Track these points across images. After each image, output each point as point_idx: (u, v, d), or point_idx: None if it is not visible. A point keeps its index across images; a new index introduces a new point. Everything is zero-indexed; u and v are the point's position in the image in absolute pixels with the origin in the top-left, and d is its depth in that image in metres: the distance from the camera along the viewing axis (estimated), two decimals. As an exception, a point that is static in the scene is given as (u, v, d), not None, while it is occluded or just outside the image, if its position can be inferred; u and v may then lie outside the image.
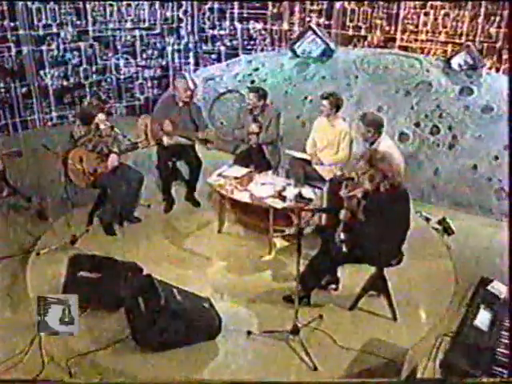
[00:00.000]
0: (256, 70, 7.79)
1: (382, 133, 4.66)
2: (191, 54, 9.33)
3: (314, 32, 7.40)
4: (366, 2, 8.24)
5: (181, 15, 9.04)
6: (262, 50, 9.06)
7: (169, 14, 8.98)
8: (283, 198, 4.80)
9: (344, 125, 5.36)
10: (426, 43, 7.97)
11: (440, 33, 7.84)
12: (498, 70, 7.36)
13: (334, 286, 4.43)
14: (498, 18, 7.36)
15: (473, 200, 6.04)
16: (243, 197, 4.93)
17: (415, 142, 6.36)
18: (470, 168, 6.06)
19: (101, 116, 4.91)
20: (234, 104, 7.73)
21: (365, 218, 3.85)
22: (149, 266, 4.52)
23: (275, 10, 8.85)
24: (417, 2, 7.88)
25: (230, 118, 7.60)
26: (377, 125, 4.59)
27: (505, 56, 7.31)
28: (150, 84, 9.25)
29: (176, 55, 9.26)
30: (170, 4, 8.92)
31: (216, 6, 8.97)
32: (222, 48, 9.22)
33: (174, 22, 9.05)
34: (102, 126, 4.93)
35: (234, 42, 9.15)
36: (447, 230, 5.45)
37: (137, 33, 8.85)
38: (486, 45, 7.42)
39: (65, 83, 8.57)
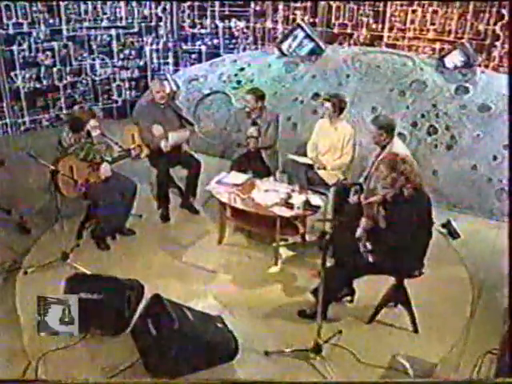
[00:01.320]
0: (242, 69, 7.52)
1: (394, 136, 4.47)
2: (170, 54, 8.97)
3: (303, 30, 7.17)
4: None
5: (159, 13, 8.67)
6: (245, 49, 8.80)
7: (147, 12, 8.59)
8: (290, 206, 4.56)
9: (348, 127, 5.15)
10: (413, 41, 7.84)
11: (428, 30, 7.72)
12: (486, 66, 7.29)
13: (349, 299, 4.21)
14: (486, 16, 7.29)
15: (473, 201, 5.92)
16: (246, 205, 4.67)
17: (412, 143, 6.20)
18: (470, 168, 5.95)
19: (92, 122, 4.57)
20: (220, 105, 7.44)
21: (387, 225, 3.64)
22: (149, 281, 4.23)
23: (258, 8, 8.58)
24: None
25: (216, 120, 7.32)
26: (389, 128, 4.40)
27: (494, 53, 7.26)
28: (127, 85, 8.84)
29: (154, 55, 8.88)
30: (148, 2, 8.54)
31: (196, 3, 8.64)
32: (203, 47, 8.89)
33: (153, 21, 8.67)
34: (93, 133, 4.60)
35: (216, 41, 8.84)
36: (452, 234, 5.31)
37: (113, 32, 8.43)
38: (474, 42, 7.34)
39: (37, 85, 8.09)
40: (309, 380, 3.54)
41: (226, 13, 8.67)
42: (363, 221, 3.79)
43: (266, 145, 5.42)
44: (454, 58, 6.45)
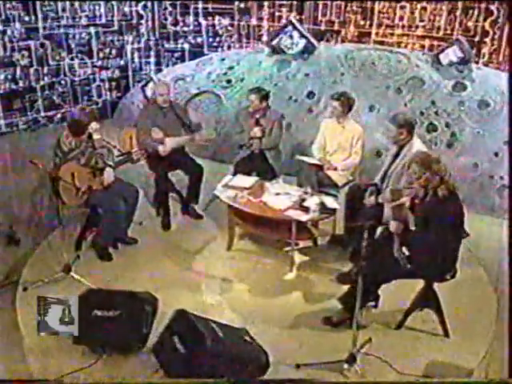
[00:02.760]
0: (231, 68, 7.31)
1: (413, 134, 4.35)
2: (152, 53, 8.66)
3: (295, 27, 7.01)
4: (339, -4, 7.95)
5: (140, 11, 8.36)
6: (229, 47, 8.58)
7: (127, 9, 8.28)
8: (306, 210, 4.39)
9: (356, 126, 5.01)
10: (402, 38, 7.79)
11: (417, 27, 7.68)
12: (476, 63, 7.28)
13: (373, 304, 4.07)
14: (476, 12, 7.29)
15: (475, 199, 5.87)
16: (259, 210, 4.48)
17: (412, 141, 6.11)
18: (471, 166, 5.90)
19: (94, 125, 4.29)
20: (209, 106, 7.21)
21: (421, 227, 3.51)
22: (159, 293, 3.97)
23: (242, 5, 8.37)
24: (392, -4, 7.68)
25: (206, 120, 7.08)
26: (410, 126, 4.28)
27: (484, 50, 7.26)
28: (107, 86, 8.49)
29: (136, 54, 8.56)
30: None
31: (178, 0, 8.37)
32: (186, 46, 8.64)
33: (133, 19, 8.36)
34: (95, 137, 4.32)
35: (199, 39, 8.60)
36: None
37: (92, 30, 8.07)
38: (464, 39, 7.32)
39: (13, 87, 7.66)
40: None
41: (210, 10, 8.44)
42: (393, 224, 3.65)
43: (270, 145, 5.23)
44: (450, 55, 6.39)
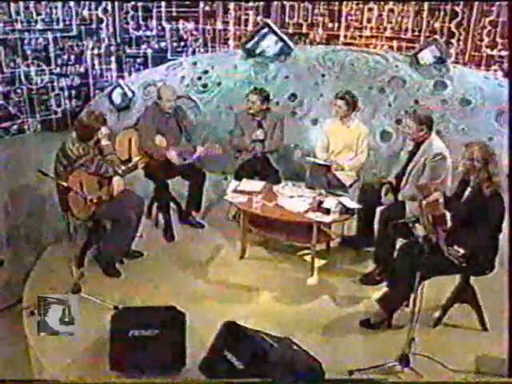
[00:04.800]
0: (205, 72, 7.09)
1: (433, 131, 4.34)
2: (113, 59, 8.28)
3: (271, 29, 6.90)
4: (306, -2, 7.96)
5: (100, 14, 7.98)
6: (194, 51, 8.37)
7: (86, 13, 7.87)
8: (327, 211, 4.27)
9: (361, 125, 4.96)
10: (370, 39, 7.90)
11: (385, 29, 7.81)
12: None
13: (405, 303, 3.99)
14: (442, 13, 7.51)
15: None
16: (278, 213, 4.32)
17: (399, 140, 6.17)
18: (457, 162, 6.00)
19: (104, 130, 3.96)
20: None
21: (466, 224, 3.48)
22: (182, 306, 3.69)
23: (207, 8, 8.21)
24: (360, -2, 7.78)
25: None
26: (430, 122, 4.25)
27: (450, 50, 7.47)
28: (67, 94, 8.03)
29: (96, 60, 8.16)
30: (88, 1, 7.80)
31: (140, 3, 8.06)
32: (149, 51, 8.34)
33: (93, 23, 7.96)
34: (104, 143, 3.99)
35: (162, 44, 8.33)
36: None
37: (49, 35, 7.63)
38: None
39: (-35, 96, 7.12)
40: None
41: (173, 14, 8.23)
42: (447, 220, 3.57)
43: (273, 148, 5.08)
44: (428, 54, 6.52)
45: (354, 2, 7.79)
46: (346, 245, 4.81)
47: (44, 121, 7.92)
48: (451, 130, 6.10)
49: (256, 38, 6.98)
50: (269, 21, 7.09)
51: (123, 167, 4.20)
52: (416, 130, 4.21)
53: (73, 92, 8.07)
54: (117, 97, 7.32)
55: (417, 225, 3.89)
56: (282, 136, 5.17)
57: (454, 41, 7.47)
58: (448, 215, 3.56)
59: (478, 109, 6.12)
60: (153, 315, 3.37)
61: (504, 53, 7.15)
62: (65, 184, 3.69)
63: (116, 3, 7.97)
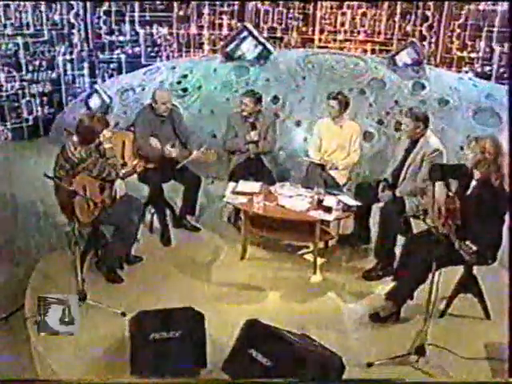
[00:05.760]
0: (185, 76, 7.06)
1: (428, 127, 4.46)
2: (86, 65, 8.11)
3: (250, 33, 6.94)
4: (280, 3, 8.05)
5: (71, 19, 7.81)
6: (168, 57, 8.31)
7: (57, 17, 7.69)
8: (329, 209, 4.32)
9: (354, 124, 5.05)
10: (345, 43, 8.06)
11: (358, 32, 7.99)
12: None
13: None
14: (413, 17, 7.74)
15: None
16: (281, 213, 4.34)
17: (381, 140, 6.31)
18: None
19: (106, 133, 3.88)
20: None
21: (477, 216, 3.58)
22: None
23: (181, 13, 8.17)
24: (333, 3, 7.93)
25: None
26: (426, 119, 4.38)
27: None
28: (38, 101, 7.81)
29: (68, 66, 7.97)
30: (59, 6, 7.63)
31: (114, 8, 7.95)
32: (122, 56, 8.21)
33: (65, 28, 7.78)
34: (106, 145, 3.91)
35: (136, 49, 8.23)
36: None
37: (20, 40, 7.41)
38: (403, 42, 7.71)
39: None
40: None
41: (147, 18, 8.13)
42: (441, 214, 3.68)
43: (267, 149, 5.10)
44: (405, 56, 6.70)
45: (328, 6, 7.93)
46: (343, 243, 4.86)
47: (15, 129, 7.67)
48: (431, 129, 6.25)
49: (235, 42, 7.00)
50: (248, 24, 7.12)
51: (123, 170, 4.13)
52: (413, 127, 4.32)
53: (45, 99, 7.85)
54: (94, 103, 7.19)
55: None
56: (275, 137, 5.20)
57: (425, 43, 7.70)
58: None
59: (455, 108, 6.33)
60: (172, 317, 3.31)
61: (473, 55, 7.44)
62: (73, 188, 3.59)
63: (88, 7, 7.81)
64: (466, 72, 7.39)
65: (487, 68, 7.35)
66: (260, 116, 5.09)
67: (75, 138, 3.83)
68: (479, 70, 7.40)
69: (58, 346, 3.43)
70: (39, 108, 7.84)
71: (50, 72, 7.80)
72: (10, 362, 3.41)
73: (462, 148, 6.14)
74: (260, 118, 5.08)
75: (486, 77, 7.27)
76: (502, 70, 7.25)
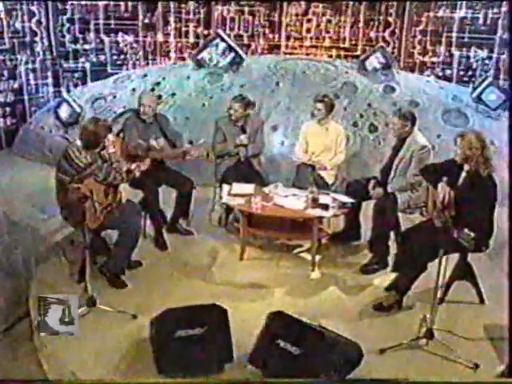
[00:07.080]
0: (158, 84, 7.02)
1: (415, 126, 4.64)
2: (49, 74, 7.90)
3: (223, 39, 6.99)
4: (246, 10, 8.16)
5: (33, 27, 7.60)
6: (134, 65, 8.23)
7: (18, 25, 7.45)
8: (325, 207, 4.42)
9: (338, 126, 5.20)
10: (311, 49, 8.25)
11: (324, 38, 8.20)
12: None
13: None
14: (376, 23, 8.03)
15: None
16: (280, 212, 4.41)
17: (357, 142, 6.49)
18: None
19: (111, 137, 3.83)
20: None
21: (469, 205, 3.75)
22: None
23: (147, 21, 8.13)
24: (299, 10, 8.11)
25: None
26: (413, 118, 4.55)
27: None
28: (1, 112, 7.52)
29: (31, 75, 7.72)
30: (20, 12, 7.41)
31: (77, 16, 7.80)
32: (87, 64, 8.06)
33: (27, 36, 7.56)
34: (110, 150, 3.85)
35: (102, 57, 8.10)
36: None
37: (-21, 49, 7.16)
38: (367, 48, 8.00)
39: None
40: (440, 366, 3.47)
41: (112, 26, 8.03)
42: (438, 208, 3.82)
43: (256, 152, 5.16)
44: (374, 61, 6.94)
45: (293, 14, 8.11)
46: (334, 240, 4.97)
47: (-24, 141, 7.37)
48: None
49: (207, 49, 7.03)
50: (220, 31, 7.17)
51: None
52: (401, 126, 4.50)
53: (7, 109, 7.57)
54: (64, 112, 7.02)
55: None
56: (264, 139, 5.27)
57: (388, 49, 7.98)
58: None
59: (425, 110, 6.59)
60: (196, 314, 3.31)
61: (435, 59, 7.79)
62: (86, 193, 3.54)
63: (50, 15, 7.62)
64: (428, 76, 7.71)
65: (448, 72, 7.70)
66: (248, 119, 5.14)
67: (78, 144, 3.76)
68: (440, 73, 7.74)
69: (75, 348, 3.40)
70: (1, 119, 7.54)
71: (11, 82, 7.53)
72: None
73: (433, 147, 6.40)
74: (249, 122, 5.13)
75: (447, 80, 7.61)
76: (461, 73, 7.62)
